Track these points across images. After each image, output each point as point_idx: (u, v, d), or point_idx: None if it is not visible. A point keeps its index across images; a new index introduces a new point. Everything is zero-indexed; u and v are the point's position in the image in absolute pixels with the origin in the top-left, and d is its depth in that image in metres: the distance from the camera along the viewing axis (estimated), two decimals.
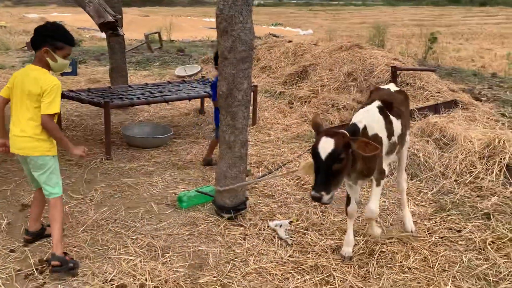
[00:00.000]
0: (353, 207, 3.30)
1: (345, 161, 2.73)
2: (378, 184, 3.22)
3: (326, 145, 2.67)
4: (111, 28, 3.27)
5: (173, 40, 17.60)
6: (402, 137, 3.41)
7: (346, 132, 2.83)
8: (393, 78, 6.17)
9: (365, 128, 3.01)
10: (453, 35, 20.68)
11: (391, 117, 3.24)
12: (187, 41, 18.05)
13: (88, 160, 4.86)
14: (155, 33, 15.34)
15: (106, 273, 2.96)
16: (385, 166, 3.25)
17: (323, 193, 2.67)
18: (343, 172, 2.78)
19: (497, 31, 22.44)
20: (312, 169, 2.87)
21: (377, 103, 3.25)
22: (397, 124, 3.28)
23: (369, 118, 3.10)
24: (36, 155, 3.00)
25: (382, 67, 7.56)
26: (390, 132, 3.20)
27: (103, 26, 3.36)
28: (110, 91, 5.94)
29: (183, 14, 34.97)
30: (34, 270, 2.97)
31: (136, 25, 21.39)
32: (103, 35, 19.36)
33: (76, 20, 27.08)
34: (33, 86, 2.94)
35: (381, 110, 3.21)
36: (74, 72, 10.05)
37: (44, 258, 3.08)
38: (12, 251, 3.19)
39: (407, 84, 7.43)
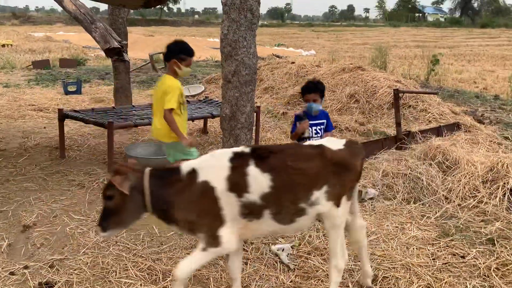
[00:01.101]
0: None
1: (115, 200, 2.57)
2: (204, 249, 2.57)
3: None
4: (117, 54, 3.31)
5: None
6: (282, 201, 2.60)
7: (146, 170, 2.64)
8: (396, 101, 6.19)
9: (193, 171, 2.60)
10: (455, 57, 20.85)
11: (253, 169, 2.56)
12: None
13: (90, 180, 4.87)
14: (160, 53, 15.49)
15: None
16: (229, 232, 2.58)
17: (99, 227, 2.64)
18: (117, 211, 2.59)
19: (499, 53, 22.62)
20: None
21: (241, 148, 2.72)
22: (262, 180, 2.55)
23: (209, 162, 2.67)
24: (166, 141, 4.02)
25: (384, 89, 7.60)
26: (237, 186, 2.54)
27: (109, 52, 3.41)
28: (114, 111, 5.97)
29: (187, 34, 35.44)
30: None
31: (140, 45, 21.68)
32: None
33: (81, 39, 27.48)
34: (162, 90, 3.91)
35: (239, 157, 2.62)
36: (78, 91, 10.14)
37: (44, 281, 3.07)
38: (12, 273, 3.16)
39: (410, 106, 7.47)
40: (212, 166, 2.63)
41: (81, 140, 6.45)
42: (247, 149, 2.67)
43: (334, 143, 2.86)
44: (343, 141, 2.90)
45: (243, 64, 3.49)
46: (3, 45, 21.80)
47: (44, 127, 7.18)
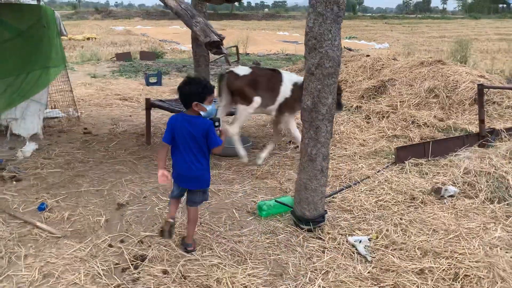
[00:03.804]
0: None
1: None
2: None
3: None
4: (216, 47, 3.51)
5: (248, 53, 18.11)
6: None
7: None
8: (479, 97, 5.92)
9: None
10: None
11: None
12: (262, 54, 18.48)
13: None
14: (233, 46, 15.89)
15: (192, 273, 3.16)
16: None
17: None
18: None
19: None
20: None
21: None
22: None
23: None
24: None
25: (466, 84, 7.27)
26: None
27: (209, 45, 3.61)
28: None
29: (257, 28, 35.81)
30: (130, 264, 3.23)
31: None
32: (184, 47, 20.41)
33: (157, 33, 28.78)
34: None
35: None
36: (159, 83, 10.70)
37: (138, 254, 3.36)
38: (110, 245, 3.49)
39: (494, 102, 7.09)
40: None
41: (164, 128, 6.83)
42: None
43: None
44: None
45: (327, 56, 3.54)
46: (88, 38, 23.43)
47: (130, 115, 7.71)
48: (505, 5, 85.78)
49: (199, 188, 3.40)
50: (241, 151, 5.30)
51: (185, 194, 3.48)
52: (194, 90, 3.26)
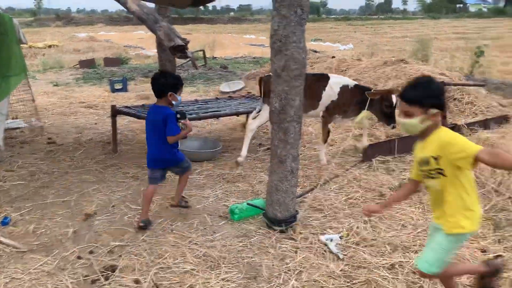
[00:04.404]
0: None
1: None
2: None
3: None
4: (181, 51, 3.49)
5: (215, 57, 18.07)
6: None
7: None
8: None
9: None
10: (501, 48, 20.04)
11: None
12: (229, 58, 18.48)
13: (143, 173, 5.10)
14: (200, 50, 15.82)
15: (164, 281, 3.11)
16: None
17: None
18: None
19: None
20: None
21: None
22: None
23: None
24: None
25: None
26: None
27: (173, 49, 3.58)
28: None
29: (223, 31, 35.80)
30: (100, 276, 3.15)
31: None
32: (149, 53, 20.16)
33: (121, 39, 28.30)
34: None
35: None
36: (124, 89, 10.52)
37: (108, 265, 3.28)
38: (79, 257, 3.40)
39: (455, 99, 7.33)
40: None
41: (131, 135, 6.73)
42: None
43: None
44: None
45: (293, 58, 3.57)
46: (50, 46, 22.76)
47: (95, 123, 7.54)
48: (461, 5, 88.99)
49: (168, 166, 3.91)
50: (244, 151, 5.47)
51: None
52: (170, 82, 3.68)
